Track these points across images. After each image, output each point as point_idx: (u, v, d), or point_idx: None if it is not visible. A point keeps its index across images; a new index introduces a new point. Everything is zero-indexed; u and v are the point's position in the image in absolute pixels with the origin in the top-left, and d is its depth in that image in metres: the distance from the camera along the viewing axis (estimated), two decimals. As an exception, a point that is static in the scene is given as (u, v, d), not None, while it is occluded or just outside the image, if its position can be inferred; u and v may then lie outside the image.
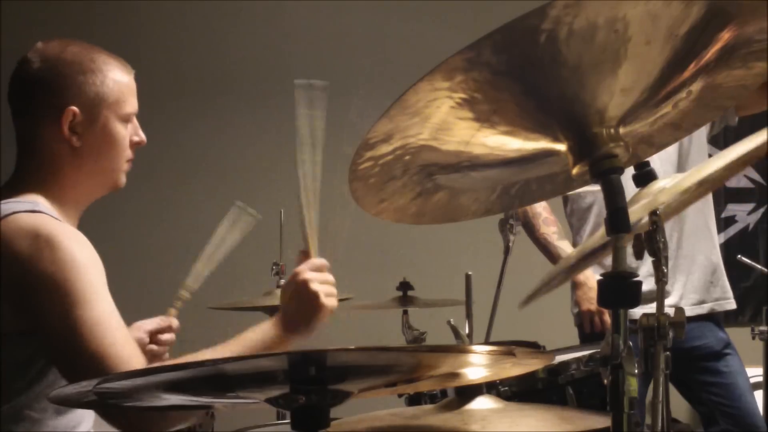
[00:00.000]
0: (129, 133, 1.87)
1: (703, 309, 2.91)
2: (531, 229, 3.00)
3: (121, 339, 1.67)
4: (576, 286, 2.93)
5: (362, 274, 4.32)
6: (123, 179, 1.90)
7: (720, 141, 4.72)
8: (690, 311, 2.85)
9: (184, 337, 2.07)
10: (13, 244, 1.67)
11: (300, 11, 4.57)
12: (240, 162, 4.47)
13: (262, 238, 4.07)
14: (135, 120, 1.90)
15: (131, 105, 1.87)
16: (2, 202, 1.75)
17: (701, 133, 2.95)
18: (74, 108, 1.79)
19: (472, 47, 0.96)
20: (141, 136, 1.90)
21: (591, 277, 2.90)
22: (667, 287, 2.82)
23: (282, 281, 2.87)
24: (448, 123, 1.08)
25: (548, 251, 2.99)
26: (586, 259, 1.66)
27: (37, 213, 1.72)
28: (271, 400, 1.14)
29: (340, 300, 2.89)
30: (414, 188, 1.23)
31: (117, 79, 1.84)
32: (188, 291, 2.15)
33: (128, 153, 1.88)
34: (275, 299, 2.81)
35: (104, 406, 1.60)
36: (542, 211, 2.99)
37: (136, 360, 1.66)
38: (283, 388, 1.11)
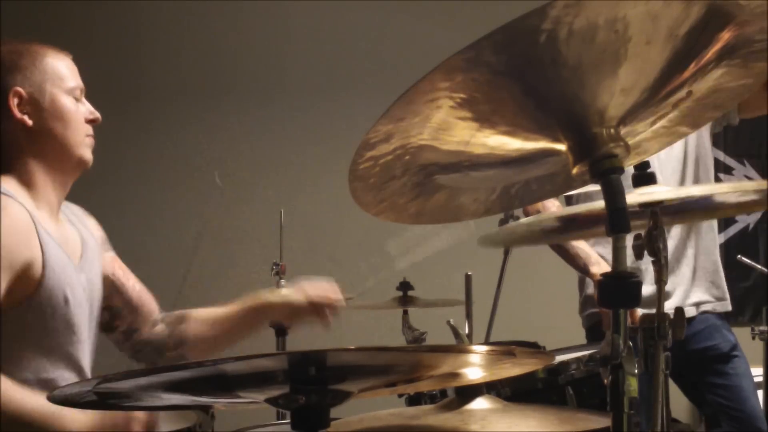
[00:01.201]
0: (82, 111, 1.94)
1: (708, 307, 2.91)
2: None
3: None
4: (595, 285, 2.89)
5: (362, 274, 4.33)
6: (87, 155, 1.95)
7: (720, 142, 4.72)
8: (693, 310, 2.85)
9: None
10: None
11: (300, 11, 4.57)
12: (240, 162, 4.48)
13: (262, 238, 4.09)
14: (85, 100, 1.97)
15: (74, 80, 1.96)
16: None
17: (706, 138, 2.95)
18: (18, 88, 1.89)
19: (472, 47, 0.96)
20: (96, 114, 1.97)
21: None
22: (670, 287, 2.84)
23: (282, 281, 2.87)
24: (448, 123, 1.08)
25: (565, 252, 2.96)
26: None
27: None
28: (271, 400, 1.14)
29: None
30: (414, 188, 1.23)
31: (53, 61, 1.95)
32: None
33: (86, 128, 1.95)
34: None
35: (104, 406, 1.60)
36: (551, 206, 2.96)
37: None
38: (283, 388, 1.11)
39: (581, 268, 2.90)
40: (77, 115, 1.93)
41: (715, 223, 2.99)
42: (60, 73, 1.94)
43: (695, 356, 2.76)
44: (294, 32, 4.59)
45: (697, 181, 2.87)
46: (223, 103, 4.51)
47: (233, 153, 4.49)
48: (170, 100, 4.41)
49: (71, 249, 1.94)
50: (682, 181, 2.88)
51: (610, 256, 1.09)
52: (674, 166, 2.85)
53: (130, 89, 4.28)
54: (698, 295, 2.91)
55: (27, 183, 1.89)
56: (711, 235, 2.95)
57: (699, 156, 2.91)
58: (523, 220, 1.97)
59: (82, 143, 1.94)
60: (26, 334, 1.80)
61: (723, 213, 2.68)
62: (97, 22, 4.35)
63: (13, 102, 1.88)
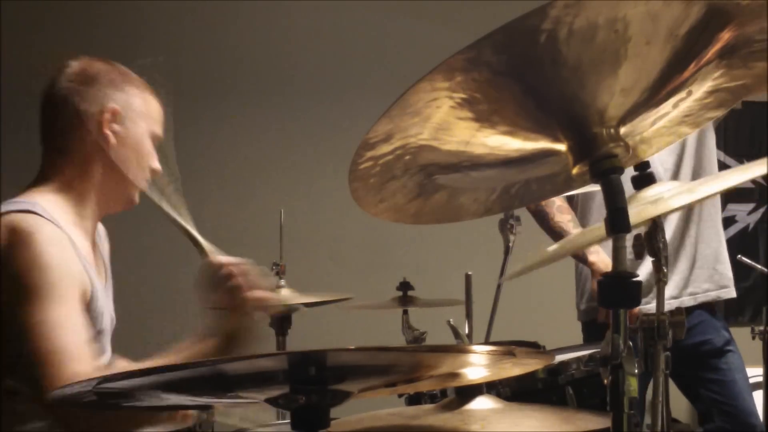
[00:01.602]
0: (152, 156, 1.93)
1: (708, 297, 2.91)
2: (544, 217, 2.92)
3: (71, 346, 1.67)
4: (594, 275, 2.87)
5: (362, 274, 4.33)
6: (137, 198, 1.93)
7: (720, 142, 4.72)
8: (691, 300, 2.85)
9: (185, 338, 2.07)
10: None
11: (300, 11, 4.57)
12: (240, 162, 4.48)
13: (262, 238, 4.08)
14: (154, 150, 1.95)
15: (160, 129, 1.95)
16: (5, 201, 1.77)
17: (710, 136, 2.95)
18: (116, 106, 1.86)
19: (472, 47, 0.96)
20: (157, 165, 1.94)
21: (611, 266, 2.87)
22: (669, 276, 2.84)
23: (282, 281, 2.87)
24: (448, 123, 1.08)
25: (560, 236, 2.95)
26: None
27: (29, 213, 1.74)
28: (271, 400, 1.14)
29: (340, 300, 2.91)
30: (414, 188, 1.23)
31: (155, 101, 1.95)
32: None
33: (147, 172, 1.92)
34: (276, 301, 2.81)
35: (105, 406, 1.60)
36: (556, 198, 2.94)
37: (82, 369, 1.64)
38: (283, 388, 1.11)
39: (579, 256, 2.89)
40: (149, 158, 1.91)
41: (717, 210, 2.98)
42: (156, 115, 1.94)
43: (689, 351, 2.76)
44: (294, 32, 4.59)
45: (695, 177, 2.87)
46: (223, 104, 4.50)
47: (233, 153, 4.49)
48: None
49: (100, 273, 1.93)
50: (675, 176, 2.87)
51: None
52: (671, 160, 2.85)
53: (130, 89, 4.28)
54: (697, 284, 2.91)
55: (78, 200, 1.85)
56: (711, 223, 2.94)
57: (699, 152, 2.91)
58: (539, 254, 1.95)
59: (138, 182, 1.90)
60: None
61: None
62: (97, 23, 4.35)
63: (107, 116, 1.85)
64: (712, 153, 2.96)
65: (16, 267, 1.68)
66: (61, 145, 1.86)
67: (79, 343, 1.69)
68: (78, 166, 1.85)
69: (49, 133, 1.89)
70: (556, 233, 2.93)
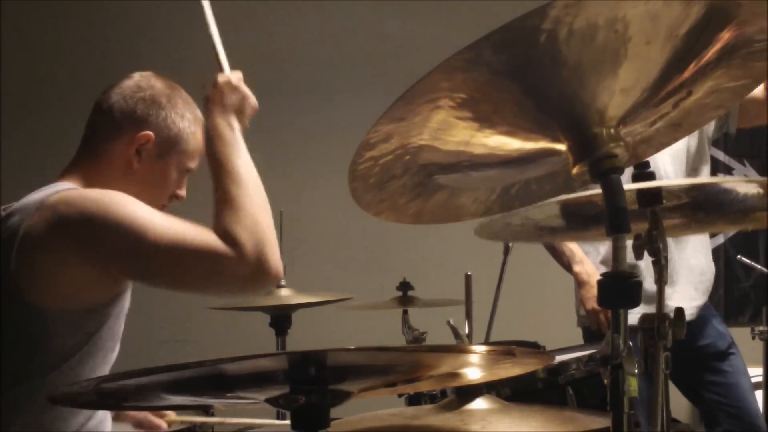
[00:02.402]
0: (174, 184, 1.94)
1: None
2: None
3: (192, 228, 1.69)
4: (579, 285, 2.91)
5: (362, 274, 4.33)
6: None
7: (720, 142, 4.72)
8: (694, 312, 2.85)
9: (186, 338, 2.08)
10: (57, 219, 1.69)
11: (300, 11, 4.57)
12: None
13: (262, 238, 4.08)
14: (185, 177, 1.97)
15: (195, 162, 1.96)
16: (38, 190, 1.80)
17: (704, 137, 2.95)
18: (152, 134, 1.87)
19: (472, 47, 0.96)
20: (183, 194, 1.97)
21: (594, 275, 2.89)
22: (668, 289, 2.84)
23: (282, 281, 2.87)
24: (448, 123, 1.08)
25: (554, 250, 2.98)
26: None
27: (71, 189, 1.78)
28: (271, 400, 1.14)
29: (340, 300, 2.91)
30: (414, 188, 1.23)
31: (198, 136, 1.93)
32: None
33: (165, 201, 1.94)
34: (276, 299, 2.81)
35: (105, 406, 1.60)
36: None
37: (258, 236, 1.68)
38: (283, 388, 1.11)
39: (565, 265, 2.92)
40: (170, 188, 1.93)
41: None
42: (193, 151, 1.94)
43: (691, 354, 2.76)
44: (294, 32, 4.59)
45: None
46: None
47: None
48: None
49: None
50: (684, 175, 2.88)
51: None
52: (672, 168, 2.85)
53: (130, 89, 4.28)
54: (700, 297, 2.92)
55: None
56: (693, 244, 2.95)
57: (696, 160, 2.92)
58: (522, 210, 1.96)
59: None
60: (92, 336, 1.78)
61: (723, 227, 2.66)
62: (98, 23, 4.35)
63: (138, 139, 1.87)
64: (707, 156, 2.97)
65: (102, 218, 1.67)
66: (95, 149, 1.89)
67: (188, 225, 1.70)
68: (102, 173, 1.88)
69: (90, 134, 1.92)
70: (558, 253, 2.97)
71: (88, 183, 1.86)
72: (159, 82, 1.95)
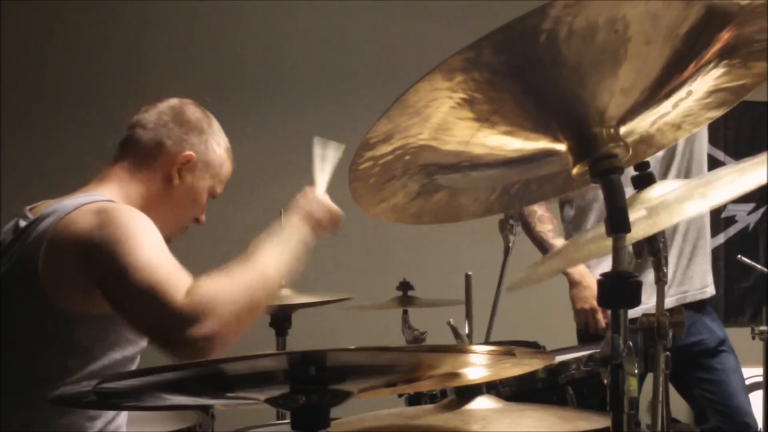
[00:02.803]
0: (202, 208, 2.04)
1: (697, 296, 2.93)
2: (527, 226, 3.00)
3: (174, 271, 1.70)
4: (570, 284, 2.93)
5: (362, 274, 4.33)
6: (168, 240, 1.92)
7: (720, 142, 4.73)
8: (676, 301, 2.85)
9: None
10: (80, 228, 1.72)
11: (300, 11, 4.57)
12: (240, 162, 4.47)
13: (262, 238, 4.08)
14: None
15: (221, 188, 2.08)
16: (76, 195, 1.83)
17: (702, 135, 2.96)
18: (192, 154, 1.98)
19: (472, 47, 0.96)
20: (203, 218, 2.07)
21: (586, 275, 2.90)
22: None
23: (282, 281, 2.87)
24: (448, 123, 1.08)
25: (544, 249, 3.00)
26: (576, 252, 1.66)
27: (107, 201, 1.81)
28: (271, 400, 1.14)
29: (340, 300, 2.91)
30: (414, 188, 1.23)
31: (229, 167, 2.10)
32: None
33: (188, 223, 2.04)
34: (276, 299, 2.81)
35: (105, 406, 1.60)
36: (537, 208, 3.00)
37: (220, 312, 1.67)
38: (283, 388, 1.11)
39: None
40: (196, 211, 2.03)
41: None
42: (224, 176, 2.08)
43: (681, 351, 2.76)
44: (294, 33, 4.59)
45: (685, 174, 2.88)
46: (222, 104, 4.48)
47: (233, 153, 4.49)
48: (170, 100, 4.41)
49: None
50: (665, 174, 2.88)
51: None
52: (660, 157, 2.86)
53: (130, 90, 4.27)
54: (690, 283, 2.92)
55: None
56: (701, 222, 2.96)
57: (690, 152, 2.92)
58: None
59: (175, 230, 2.01)
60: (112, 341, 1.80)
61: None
62: (99, 23, 4.35)
63: (182, 159, 1.96)
64: (703, 149, 2.97)
65: (106, 237, 1.69)
66: (133, 164, 1.95)
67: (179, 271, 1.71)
68: (138, 187, 1.94)
69: (129, 148, 1.98)
70: (537, 242, 3.00)
71: (126, 194, 1.91)
72: (199, 110, 2.08)
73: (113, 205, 1.79)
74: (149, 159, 1.96)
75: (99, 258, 1.69)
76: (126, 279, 1.64)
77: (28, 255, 1.74)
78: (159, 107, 2.03)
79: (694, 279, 2.95)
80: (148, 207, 1.89)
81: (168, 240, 1.89)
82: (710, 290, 2.97)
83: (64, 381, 1.70)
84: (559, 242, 2.96)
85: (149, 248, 1.69)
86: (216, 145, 2.05)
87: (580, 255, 1.76)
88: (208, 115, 2.09)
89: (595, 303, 2.82)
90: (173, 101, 2.06)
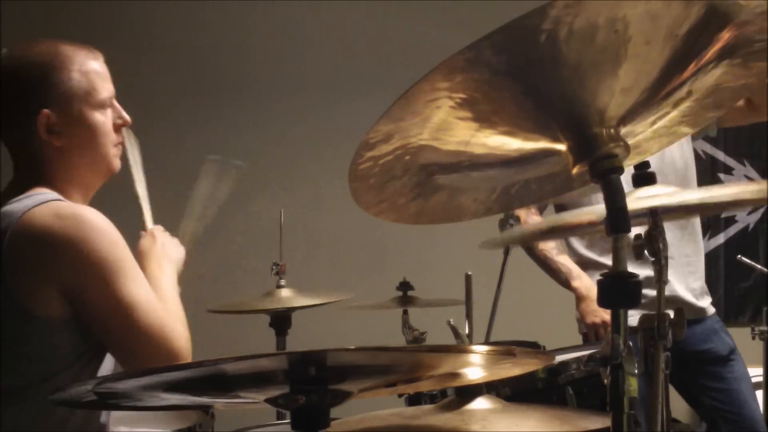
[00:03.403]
0: (111, 117, 1.88)
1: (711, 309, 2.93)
2: (529, 247, 3.00)
3: (170, 313, 1.76)
4: (578, 299, 2.91)
5: (362, 274, 4.33)
6: (116, 163, 1.92)
7: (720, 142, 4.73)
8: (694, 313, 2.84)
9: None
10: (50, 231, 1.69)
11: (300, 11, 4.57)
12: (241, 161, 4.47)
13: (262, 238, 4.08)
14: (115, 103, 1.90)
15: (105, 90, 1.87)
16: (15, 199, 1.77)
17: (687, 149, 2.97)
18: (46, 111, 1.80)
19: (472, 47, 0.96)
20: (124, 117, 1.91)
21: (592, 289, 2.89)
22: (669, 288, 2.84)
23: (282, 281, 2.87)
24: (448, 123, 1.08)
25: (548, 267, 2.99)
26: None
27: (60, 201, 1.76)
28: (271, 400, 1.14)
29: (340, 300, 2.91)
30: (414, 188, 1.23)
31: (84, 69, 1.84)
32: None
33: (113, 137, 1.89)
34: (276, 301, 2.81)
35: (105, 406, 1.60)
36: (526, 216, 2.99)
37: (186, 334, 1.77)
38: (283, 388, 1.11)
39: (563, 282, 2.94)
40: (106, 127, 1.87)
41: (698, 222, 3.00)
42: (89, 85, 1.84)
43: (692, 358, 2.76)
44: (294, 33, 4.59)
45: (678, 180, 2.88)
46: (223, 105, 4.50)
47: (234, 153, 4.49)
48: (171, 101, 4.40)
49: None
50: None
51: (603, 260, 1.09)
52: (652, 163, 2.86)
53: (131, 90, 4.27)
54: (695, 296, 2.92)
55: (62, 193, 1.83)
56: (698, 237, 2.96)
57: (684, 166, 2.92)
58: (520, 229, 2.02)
59: (110, 154, 1.89)
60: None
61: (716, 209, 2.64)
62: (99, 24, 4.35)
63: (41, 123, 1.80)
64: (691, 156, 2.98)
65: (92, 248, 1.69)
66: (21, 152, 1.86)
67: (170, 315, 1.76)
68: (42, 167, 1.84)
69: (5, 139, 1.88)
70: (540, 261, 3.02)
71: (55, 186, 1.82)
72: (11, 58, 1.84)
73: (85, 212, 1.75)
74: (25, 139, 1.83)
75: (88, 278, 1.70)
76: (127, 311, 1.71)
77: None
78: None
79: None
80: (73, 175, 1.85)
81: (113, 170, 1.91)
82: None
83: (48, 383, 1.69)
84: (562, 258, 2.96)
85: (143, 280, 1.76)
86: (62, 77, 1.81)
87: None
88: (47, 46, 1.85)
89: (606, 316, 2.82)
90: (12, 60, 1.84)
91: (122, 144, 1.94)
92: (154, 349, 1.69)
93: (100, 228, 1.72)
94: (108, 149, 1.88)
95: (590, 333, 2.91)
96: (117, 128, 1.90)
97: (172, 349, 1.71)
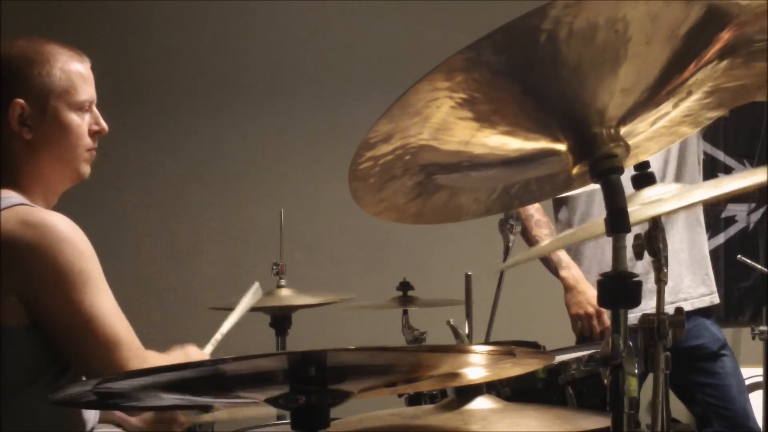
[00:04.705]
0: (87, 122, 1.85)
1: (704, 302, 2.92)
2: (524, 230, 3.00)
3: (129, 329, 1.73)
4: (565, 289, 2.92)
5: (362, 274, 4.33)
6: (85, 169, 1.87)
7: (720, 142, 4.73)
8: (689, 305, 2.85)
9: (186, 338, 2.07)
10: (14, 238, 1.67)
11: (300, 11, 4.57)
12: (240, 162, 4.48)
13: (262, 238, 4.08)
14: (95, 109, 1.87)
15: (85, 93, 1.84)
16: None
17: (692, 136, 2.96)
18: (20, 100, 1.78)
19: (472, 47, 0.96)
20: (102, 124, 1.87)
21: (580, 280, 2.90)
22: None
23: (282, 281, 2.87)
24: (448, 123, 1.08)
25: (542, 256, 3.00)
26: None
27: (27, 206, 1.73)
28: (271, 400, 1.14)
29: (340, 300, 2.91)
30: (414, 188, 1.23)
31: (66, 68, 1.82)
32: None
33: (87, 142, 1.85)
34: (276, 300, 2.81)
35: (105, 406, 1.60)
36: (534, 213, 3.00)
37: (146, 351, 1.74)
38: (283, 388, 1.11)
39: (552, 270, 2.95)
40: (80, 129, 1.83)
41: (701, 215, 3.00)
42: (68, 84, 1.81)
43: (682, 355, 2.76)
44: (294, 33, 4.59)
45: (678, 180, 2.88)
46: (223, 105, 4.50)
47: (234, 154, 4.49)
48: (171, 102, 4.40)
49: None
50: (662, 180, 2.88)
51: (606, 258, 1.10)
52: (656, 165, 2.86)
53: (131, 91, 4.28)
54: (693, 288, 2.92)
55: (24, 193, 1.80)
56: (700, 229, 2.96)
57: (683, 155, 2.92)
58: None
59: (81, 158, 1.84)
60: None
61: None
62: (99, 24, 4.35)
63: (14, 113, 1.77)
64: (694, 154, 2.97)
65: (60, 260, 1.67)
66: None
67: (130, 330, 1.74)
68: (8, 164, 1.80)
69: None
70: (532, 245, 2.99)
71: (18, 185, 1.79)
72: (4, 52, 1.82)
73: (52, 219, 1.71)
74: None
75: (49, 288, 1.68)
76: (87, 323, 1.69)
77: None
78: None
79: (707, 282, 2.96)
80: (38, 173, 1.81)
81: (81, 176, 1.86)
82: (709, 299, 2.96)
83: (22, 394, 1.68)
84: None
85: (106, 292, 1.72)
86: (41, 71, 1.79)
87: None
88: (34, 42, 1.83)
89: (589, 308, 2.83)
90: None
91: (96, 154, 1.89)
92: (108, 362, 1.67)
93: (66, 237, 1.68)
94: (78, 152, 1.83)
95: (574, 324, 2.92)
96: (92, 134, 1.86)
97: (122, 368, 1.68)
